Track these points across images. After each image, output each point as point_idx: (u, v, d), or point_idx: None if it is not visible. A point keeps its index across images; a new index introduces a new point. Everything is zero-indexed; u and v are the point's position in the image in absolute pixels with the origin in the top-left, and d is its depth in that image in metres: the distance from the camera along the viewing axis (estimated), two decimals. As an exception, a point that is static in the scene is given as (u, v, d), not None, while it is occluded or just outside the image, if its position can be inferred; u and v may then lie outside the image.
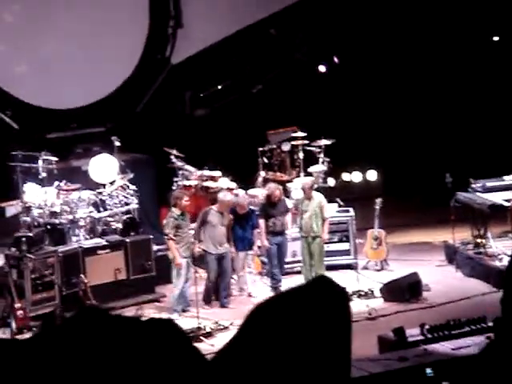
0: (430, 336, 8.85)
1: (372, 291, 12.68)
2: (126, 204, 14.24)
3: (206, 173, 15.33)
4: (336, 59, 18.73)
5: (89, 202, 13.81)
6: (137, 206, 14.30)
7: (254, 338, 1.99)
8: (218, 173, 15.32)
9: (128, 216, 14.09)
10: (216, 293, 12.83)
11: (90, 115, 16.78)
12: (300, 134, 15.72)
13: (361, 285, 12.92)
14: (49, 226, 13.45)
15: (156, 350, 1.87)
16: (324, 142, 15.59)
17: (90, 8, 16.75)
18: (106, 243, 13.41)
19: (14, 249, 12.86)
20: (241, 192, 14.25)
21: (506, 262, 12.54)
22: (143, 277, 13.45)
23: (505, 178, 14.08)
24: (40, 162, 13.88)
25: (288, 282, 12.93)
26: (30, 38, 16.47)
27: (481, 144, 17.72)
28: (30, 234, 12.92)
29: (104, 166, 14.51)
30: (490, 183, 13.91)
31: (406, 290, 12.41)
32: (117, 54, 16.96)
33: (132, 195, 14.34)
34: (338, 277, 13.22)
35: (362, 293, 12.64)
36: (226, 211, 12.75)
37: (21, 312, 11.76)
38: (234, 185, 14.82)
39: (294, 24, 18.24)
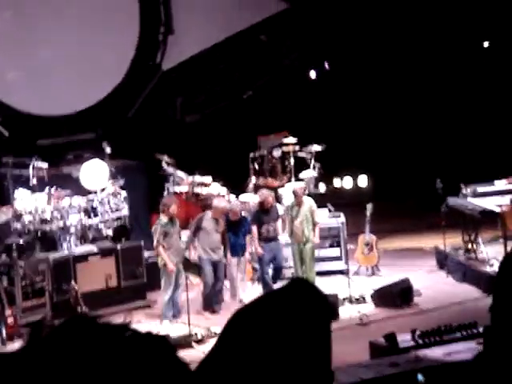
0: (421, 342, 8.85)
1: (363, 297, 12.67)
2: (117, 210, 14.21)
3: (197, 179, 15.33)
4: (326, 65, 18.77)
5: (80, 208, 13.78)
6: (128, 212, 14.28)
7: (233, 345, 1.99)
8: (208, 179, 15.32)
9: (119, 222, 14.06)
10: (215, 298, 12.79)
11: (81, 121, 16.76)
12: (291, 139, 15.73)
13: (352, 290, 12.91)
14: (39, 233, 13.42)
15: (141, 360, 1.86)
16: (315, 147, 15.60)
17: (80, 14, 16.76)
18: (96, 250, 13.37)
19: (4, 256, 12.83)
20: (232, 198, 14.26)
21: (496, 267, 12.56)
22: (134, 283, 13.42)
23: (495, 182, 14.10)
24: (31, 169, 13.84)
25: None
26: (21, 45, 16.46)
27: (471, 149, 17.78)
28: (21, 241, 12.90)
29: (95, 173, 14.48)
30: (480, 188, 13.93)
31: (397, 295, 12.41)
32: (107, 60, 16.96)
33: (123, 201, 14.31)
34: (329, 282, 13.28)
35: (354, 299, 12.63)
36: (220, 218, 12.73)
37: (11, 319, 11.71)
38: (225, 190, 14.82)
39: (284, 30, 18.27)
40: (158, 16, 17.36)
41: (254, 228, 13.07)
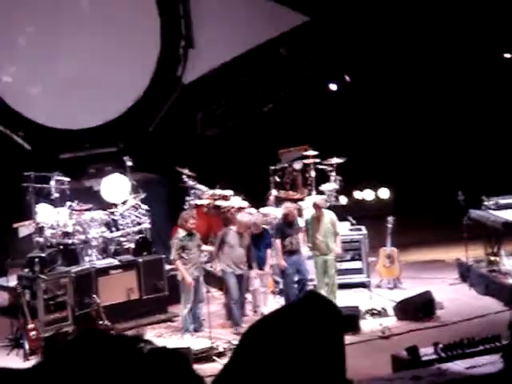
0: (443, 355, 8.81)
1: (385, 310, 12.63)
2: (139, 224, 14.25)
3: (218, 192, 15.36)
4: (347, 77, 18.76)
5: (101, 222, 13.83)
6: (149, 225, 14.31)
7: (249, 358, 1.99)
8: (229, 192, 15.34)
9: (140, 236, 14.10)
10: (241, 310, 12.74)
11: (103, 135, 16.85)
12: (312, 152, 15.73)
13: (374, 303, 12.88)
14: (61, 247, 13.47)
15: (154, 373, 1.86)
16: (336, 160, 15.59)
17: (102, 29, 16.88)
18: (118, 263, 13.42)
19: (26, 269, 12.90)
20: (253, 211, 14.26)
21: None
22: (156, 297, 13.43)
23: (518, 195, 14.02)
24: (52, 183, 13.93)
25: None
26: (43, 60, 16.60)
27: (493, 161, 17.69)
28: (43, 255, 12.96)
29: (116, 186, 14.53)
30: (502, 200, 13.85)
31: (419, 308, 12.36)
32: (129, 74, 17.06)
33: (144, 215, 14.35)
34: (350, 295, 13.24)
35: (375, 311, 12.58)
36: (244, 232, 12.67)
37: (34, 333, 11.77)
38: (245, 204, 14.82)
39: (304, 43, 18.30)
40: (179, 30, 17.44)
41: (278, 241, 13.03)
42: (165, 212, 15.75)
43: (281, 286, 13.74)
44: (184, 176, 15.62)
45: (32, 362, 11.20)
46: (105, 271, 13.18)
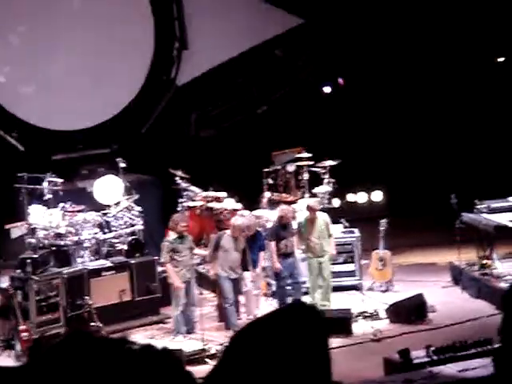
0: (435, 358, 8.82)
1: (377, 312, 12.63)
2: (131, 225, 14.24)
3: (211, 194, 15.35)
4: (341, 80, 18.79)
5: (94, 223, 13.82)
6: (142, 227, 14.30)
7: (236, 362, 1.99)
8: (222, 194, 15.34)
9: (133, 237, 14.08)
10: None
11: (96, 136, 16.84)
12: (305, 154, 15.74)
13: (366, 306, 12.89)
14: (54, 248, 13.45)
15: (145, 375, 1.85)
16: (329, 162, 15.60)
17: (95, 30, 16.86)
18: (110, 265, 13.40)
19: (19, 270, 12.87)
20: (246, 213, 14.25)
21: None
22: (148, 298, 13.42)
23: (510, 198, 14.03)
24: (45, 184, 13.90)
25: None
26: (36, 60, 16.58)
27: (486, 165, 17.73)
28: (35, 256, 12.93)
29: (109, 187, 14.52)
30: (495, 204, 13.87)
31: (411, 311, 12.37)
32: (122, 75, 17.05)
33: (137, 216, 14.34)
34: (342, 298, 13.24)
35: (367, 314, 12.59)
36: (239, 235, 12.59)
37: (25, 334, 11.74)
38: (239, 206, 14.82)
39: (299, 45, 18.31)
40: (173, 31, 17.44)
41: (273, 243, 13.01)
42: (158, 214, 15.73)
43: (274, 289, 13.74)
44: (177, 178, 15.62)
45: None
46: (97, 273, 13.17)
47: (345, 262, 14.14)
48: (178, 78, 17.59)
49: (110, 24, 16.98)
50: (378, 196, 18.39)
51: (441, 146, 18.29)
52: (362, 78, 18.33)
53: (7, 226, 14.22)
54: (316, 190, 15.52)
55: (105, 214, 14.15)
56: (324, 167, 15.65)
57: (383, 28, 17.86)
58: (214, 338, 11.91)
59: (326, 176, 15.64)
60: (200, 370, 10.50)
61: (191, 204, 15.32)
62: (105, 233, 13.95)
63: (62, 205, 13.84)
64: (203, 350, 11.30)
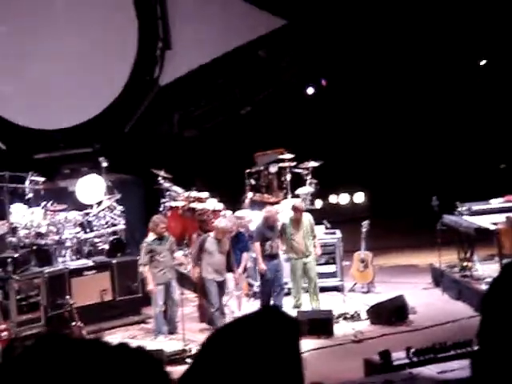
0: (415, 359, 8.85)
1: (358, 314, 12.66)
2: (113, 225, 14.21)
3: (194, 194, 15.34)
4: (323, 82, 18.83)
5: (75, 222, 13.78)
6: (124, 226, 14.28)
7: (205, 368, 2.00)
8: (205, 194, 15.33)
9: (115, 237, 14.06)
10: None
11: (78, 135, 16.79)
12: (287, 155, 15.76)
13: (347, 307, 12.91)
14: (35, 247, 13.40)
15: (120, 375, 1.85)
16: (311, 164, 15.63)
17: (78, 29, 16.81)
18: (92, 264, 13.37)
19: (-1, 269, 12.82)
20: (228, 213, 14.25)
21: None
22: (129, 298, 13.40)
23: (491, 201, 14.11)
24: (27, 183, 13.86)
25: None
26: (17, 59, 16.50)
27: (467, 167, 17.82)
28: (16, 255, 12.87)
29: (91, 187, 14.49)
30: (476, 206, 13.94)
31: (392, 312, 12.41)
32: (105, 74, 17.00)
33: (119, 216, 14.32)
34: (324, 299, 13.25)
35: (348, 315, 12.62)
36: (223, 237, 12.49)
37: (5, 333, 11.69)
38: (221, 206, 14.82)
39: (283, 46, 18.34)
40: (156, 31, 17.41)
41: (257, 244, 12.99)
42: (140, 213, 15.70)
43: (255, 289, 13.75)
44: (160, 178, 15.60)
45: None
46: (78, 272, 13.13)
47: (326, 263, 14.15)
48: (161, 78, 17.57)
49: (93, 23, 16.93)
50: (360, 197, 18.45)
51: (422, 148, 18.36)
52: (345, 79, 18.38)
53: (-12, 225, 14.15)
54: (298, 191, 15.54)
55: (87, 214, 14.13)
56: (306, 168, 15.68)
57: (367, 29, 17.91)
58: (195, 339, 11.90)
59: (309, 177, 15.68)
60: (181, 371, 10.48)
61: (173, 204, 15.31)
62: (86, 232, 13.92)
63: (43, 204, 13.80)
64: (184, 351, 11.30)
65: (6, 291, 12.31)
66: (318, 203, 16.52)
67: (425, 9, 17.79)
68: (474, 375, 2.06)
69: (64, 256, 13.52)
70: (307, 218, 13.19)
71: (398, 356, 8.93)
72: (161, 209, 15.39)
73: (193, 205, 15.08)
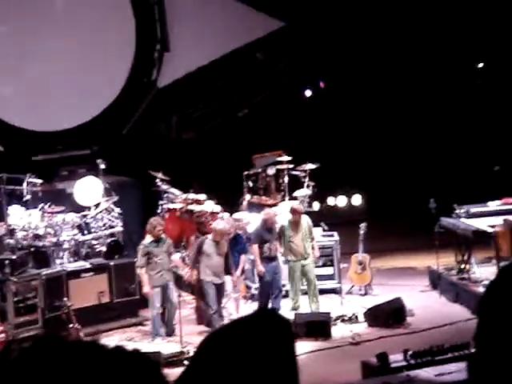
0: (413, 362, 8.84)
1: (356, 316, 12.66)
2: (111, 227, 14.21)
3: (191, 196, 15.34)
4: (322, 84, 18.84)
5: (73, 224, 13.78)
6: (121, 228, 14.28)
7: (200, 372, 2.00)
8: (203, 196, 15.33)
9: (112, 239, 14.06)
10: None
11: (76, 137, 16.79)
12: (285, 158, 15.77)
13: (345, 309, 12.91)
14: (32, 249, 13.39)
15: (115, 378, 1.85)
16: (309, 166, 15.64)
17: (76, 31, 16.81)
18: (89, 266, 13.36)
19: (-4, 271, 12.81)
20: (226, 216, 14.25)
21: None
22: (127, 300, 13.39)
23: (489, 203, 14.13)
24: (25, 185, 13.86)
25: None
26: (16, 61, 16.50)
27: (465, 170, 17.83)
28: (14, 257, 12.87)
29: (89, 189, 14.48)
30: (473, 209, 13.95)
31: (389, 315, 12.41)
32: (103, 76, 17.01)
33: (117, 218, 14.32)
34: (321, 301, 13.25)
35: (346, 318, 12.62)
36: (221, 239, 12.46)
37: (3, 335, 11.68)
38: (218, 208, 14.82)
39: (281, 48, 18.35)
40: (154, 33, 17.42)
41: (255, 246, 12.99)
42: (138, 215, 15.71)
43: (253, 292, 13.75)
44: (157, 180, 15.60)
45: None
46: (76, 274, 13.13)
47: (324, 266, 14.16)
48: (159, 80, 17.58)
49: (91, 26, 16.93)
50: (357, 200, 18.46)
51: (420, 150, 18.38)
52: (343, 82, 18.40)
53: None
54: (296, 193, 15.54)
55: (84, 216, 14.12)
56: (304, 171, 15.69)
57: (365, 31, 17.92)
58: (192, 341, 11.89)
59: (306, 179, 15.68)
60: (178, 373, 10.47)
61: (171, 206, 15.31)
62: (84, 234, 13.92)
63: (41, 206, 13.80)
64: (181, 353, 11.29)
65: (4, 293, 12.30)
66: (316, 205, 16.54)
67: (423, 11, 17.81)
68: (471, 378, 2.07)
69: (62, 258, 13.52)
70: (305, 220, 13.20)
71: (396, 358, 8.93)
72: (158, 211, 15.39)
73: (190, 207, 15.08)
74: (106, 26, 17.05)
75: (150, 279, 12.34)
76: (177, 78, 17.64)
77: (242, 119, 18.25)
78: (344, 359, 10.92)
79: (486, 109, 18.22)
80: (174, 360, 11.00)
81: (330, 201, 18.36)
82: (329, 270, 14.20)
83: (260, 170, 15.96)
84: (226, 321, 12.55)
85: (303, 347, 11.28)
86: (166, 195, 15.60)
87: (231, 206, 15.28)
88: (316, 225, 14.33)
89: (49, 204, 13.90)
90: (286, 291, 13.33)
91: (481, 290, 12.82)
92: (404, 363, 8.84)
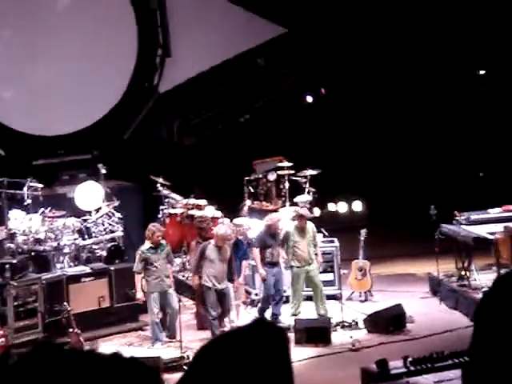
0: (412, 368, 8.82)
1: (356, 322, 12.65)
2: (111, 231, 14.21)
3: (192, 201, 15.35)
4: (323, 90, 18.86)
5: (74, 229, 13.78)
6: (122, 233, 14.28)
7: (198, 378, 2.01)
8: (203, 201, 15.33)
9: (113, 244, 14.06)
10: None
11: (77, 142, 16.81)
12: (286, 163, 15.77)
13: (345, 316, 12.90)
14: (33, 253, 13.40)
15: None
16: (310, 172, 15.64)
17: (78, 36, 16.84)
18: (90, 271, 13.35)
19: (-3, 275, 12.81)
20: (226, 221, 14.25)
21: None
22: (127, 305, 13.38)
23: (489, 210, 14.13)
24: (25, 189, 13.86)
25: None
26: (18, 65, 16.54)
27: (466, 177, 17.84)
28: (14, 261, 12.87)
29: (90, 193, 14.49)
30: (474, 216, 13.96)
31: (389, 321, 12.41)
32: (105, 81, 17.03)
33: (117, 223, 14.32)
34: (322, 307, 13.23)
35: (346, 324, 12.61)
36: (223, 245, 12.32)
37: (3, 339, 11.68)
38: (219, 214, 14.82)
39: (282, 54, 18.38)
40: (156, 38, 17.45)
41: (257, 250, 12.98)
42: (138, 220, 15.71)
43: (252, 297, 13.75)
44: (158, 185, 15.61)
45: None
46: (76, 279, 13.12)
47: (324, 272, 14.15)
48: (161, 85, 17.61)
49: (93, 31, 16.96)
50: (358, 206, 18.45)
51: (421, 157, 18.38)
52: (344, 88, 18.41)
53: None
54: (297, 199, 15.54)
55: (85, 220, 14.13)
56: (305, 176, 15.69)
57: (366, 38, 17.95)
58: (192, 346, 11.89)
59: (307, 185, 15.68)
60: (178, 378, 10.47)
61: (172, 211, 15.32)
62: (84, 239, 13.92)
63: (42, 210, 13.80)
64: (181, 358, 11.28)
65: (4, 297, 12.30)
66: (317, 211, 16.51)
67: (423, 19, 17.84)
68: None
69: (62, 262, 13.52)
70: (311, 226, 13.20)
71: (395, 365, 8.91)
72: (159, 216, 15.40)
73: (191, 212, 15.09)
74: (108, 31, 17.07)
75: (148, 285, 12.31)
76: (178, 84, 17.67)
77: (243, 125, 18.26)
78: (344, 365, 10.91)
79: (489, 115, 18.22)
80: (173, 365, 10.99)
81: (331, 207, 18.35)
82: (329, 276, 14.19)
83: (261, 176, 15.97)
84: (227, 327, 12.55)
85: (303, 353, 11.28)
86: (166, 200, 15.61)
87: (232, 211, 15.27)
88: (317, 231, 14.33)
89: (49, 208, 13.90)
90: (287, 297, 13.33)
91: (480, 297, 12.81)
92: (404, 370, 8.82)
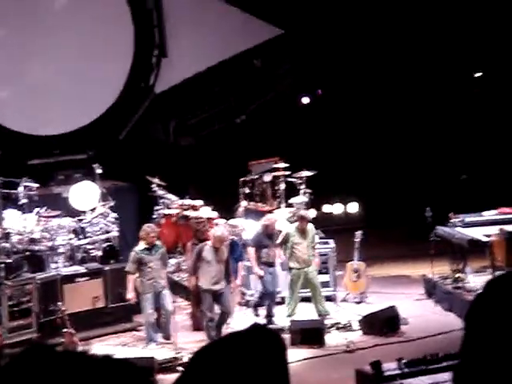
0: (407, 370, 8.84)
1: (350, 324, 12.66)
2: (107, 232, 14.19)
3: (187, 202, 15.34)
4: (319, 91, 18.87)
5: (69, 229, 13.76)
6: (117, 233, 14.26)
7: (194, 382, 2.00)
8: (199, 202, 15.33)
9: (108, 244, 14.04)
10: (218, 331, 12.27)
11: (73, 142, 16.79)
12: (282, 165, 15.78)
13: (339, 317, 12.91)
14: (28, 253, 13.37)
15: None
16: (305, 173, 15.64)
17: (74, 35, 16.82)
18: (84, 271, 13.33)
19: (-9, 275, 12.79)
20: (221, 222, 14.24)
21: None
22: (122, 305, 13.34)
23: (484, 213, 14.15)
24: (21, 188, 13.84)
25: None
26: (14, 64, 16.52)
27: (461, 179, 17.85)
28: (9, 261, 12.86)
29: (85, 193, 14.48)
30: (469, 218, 13.97)
31: (384, 323, 12.41)
32: (101, 81, 17.02)
33: (113, 223, 14.30)
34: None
35: (341, 325, 12.62)
36: (220, 246, 12.24)
37: (-3, 339, 11.67)
38: (215, 214, 14.82)
39: (278, 55, 18.38)
40: (152, 39, 17.44)
41: (253, 249, 12.98)
42: (134, 220, 15.69)
43: (247, 298, 13.74)
44: (154, 185, 15.60)
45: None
46: (71, 279, 13.10)
47: (319, 273, 14.14)
48: (157, 86, 17.59)
49: (89, 31, 16.95)
50: (353, 207, 18.46)
51: (417, 158, 18.39)
52: (340, 89, 18.42)
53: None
54: (292, 200, 15.54)
55: (80, 220, 14.11)
56: (300, 178, 15.69)
57: (363, 40, 17.95)
58: (186, 347, 11.88)
59: (303, 186, 15.68)
60: (172, 379, 10.47)
61: (167, 212, 15.31)
62: (79, 239, 13.90)
63: (37, 210, 13.79)
64: (175, 359, 11.27)
65: (-2, 297, 12.29)
66: (312, 213, 16.50)
67: (421, 20, 17.85)
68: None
69: (57, 262, 13.50)
70: (311, 227, 13.22)
71: (390, 367, 8.93)
72: (155, 216, 15.39)
73: (187, 212, 15.09)
74: (105, 30, 17.06)
75: (141, 285, 12.29)
76: (174, 84, 17.66)
77: (240, 125, 18.26)
78: (338, 367, 10.92)
79: (483, 118, 18.24)
80: (168, 366, 11.00)
81: (326, 208, 18.35)
82: (324, 278, 14.18)
83: (256, 177, 15.97)
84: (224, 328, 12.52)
85: (298, 354, 11.28)
86: (162, 200, 15.60)
87: (227, 212, 15.27)
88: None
89: (44, 208, 13.89)
90: (282, 298, 13.33)
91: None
92: (398, 372, 8.83)
